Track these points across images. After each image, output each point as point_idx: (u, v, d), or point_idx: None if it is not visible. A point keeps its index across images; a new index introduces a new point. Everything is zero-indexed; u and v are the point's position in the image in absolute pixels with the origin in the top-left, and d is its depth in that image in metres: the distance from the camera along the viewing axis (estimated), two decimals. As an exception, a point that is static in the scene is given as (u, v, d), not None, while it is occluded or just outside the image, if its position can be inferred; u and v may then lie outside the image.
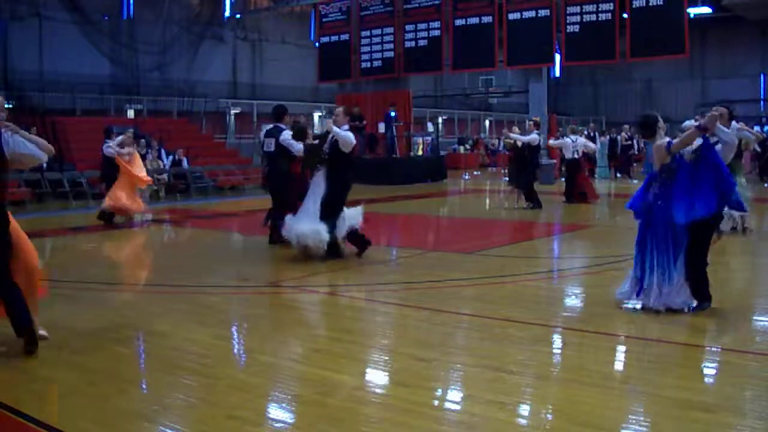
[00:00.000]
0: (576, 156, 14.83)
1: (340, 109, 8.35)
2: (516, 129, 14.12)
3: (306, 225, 7.89)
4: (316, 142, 8.36)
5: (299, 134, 8.59)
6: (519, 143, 13.36)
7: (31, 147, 4.56)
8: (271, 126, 9.21)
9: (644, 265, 5.66)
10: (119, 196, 11.81)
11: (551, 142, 15.27)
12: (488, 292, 6.69)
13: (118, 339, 5.13)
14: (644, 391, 3.94)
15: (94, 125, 18.26)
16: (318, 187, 8.03)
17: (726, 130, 5.99)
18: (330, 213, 7.91)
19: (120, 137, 12.10)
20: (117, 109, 23.87)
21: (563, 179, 15.91)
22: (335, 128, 7.95)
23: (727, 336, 5.20)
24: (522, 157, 13.65)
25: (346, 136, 7.94)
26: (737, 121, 9.36)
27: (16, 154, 4.51)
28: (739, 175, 8.99)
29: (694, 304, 5.61)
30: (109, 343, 5.01)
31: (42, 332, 4.74)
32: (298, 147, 8.56)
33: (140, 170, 12.39)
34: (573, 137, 15.04)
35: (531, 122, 14.22)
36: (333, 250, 8.10)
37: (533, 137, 13.35)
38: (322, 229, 7.85)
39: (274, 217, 8.98)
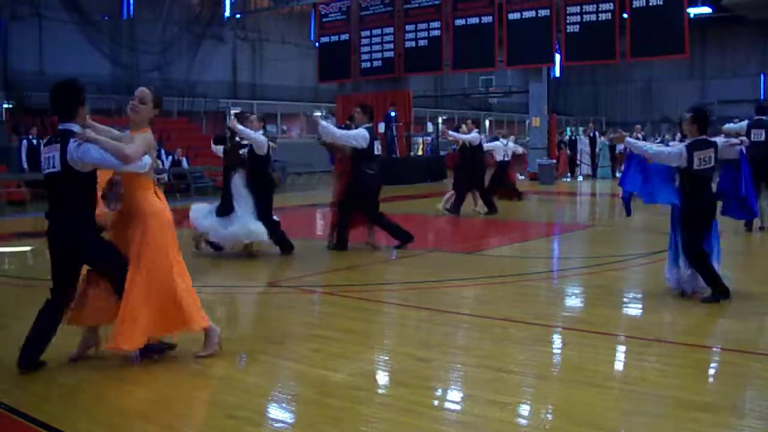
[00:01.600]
0: (506, 158, 15.52)
1: (254, 117, 8.53)
2: (464, 127, 13.30)
3: (240, 226, 8.14)
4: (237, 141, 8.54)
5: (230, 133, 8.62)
6: (467, 143, 12.72)
7: (98, 155, 4.21)
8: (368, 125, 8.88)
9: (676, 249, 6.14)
10: None
11: (484, 144, 14.80)
12: (488, 292, 6.69)
13: (118, 339, 5.13)
14: (644, 391, 3.94)
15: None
16: (239, 189, 8.25)
17: (638, 144, 6.20)
18: (261, 214, 8.25)
19: None
20: (117, 109, 23.86)
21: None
22: (240, 127, 8.11)
23: (727, 336, 5.20)
24: (469, 159, 12.84)
25: (256, 138, 8.13)
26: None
27: (81, 163, 4.24)
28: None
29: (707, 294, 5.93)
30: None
31: None
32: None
33: None
34: (504, 141, 15.64)
35: (469, 121, 13.71)
36: (284, 246, 8.50)
37: (474, 136, 12.84)
38: (260, 227, 8.17)
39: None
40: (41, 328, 4.35)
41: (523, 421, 3.65)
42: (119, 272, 4.36)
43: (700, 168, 5.84)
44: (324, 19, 24.39)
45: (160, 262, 4.40)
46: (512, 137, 17.30)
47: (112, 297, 4.41)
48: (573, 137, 25.12)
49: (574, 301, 6.55)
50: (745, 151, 6.48)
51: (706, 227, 5.97)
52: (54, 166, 4.26)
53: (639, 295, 6.50)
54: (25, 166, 16.11)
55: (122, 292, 4.33)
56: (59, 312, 4.41)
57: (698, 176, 5.89)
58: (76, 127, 4.32)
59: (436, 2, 21.83)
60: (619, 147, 22.88)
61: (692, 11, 20.83)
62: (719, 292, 5.85)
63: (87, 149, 4.19)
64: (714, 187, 6.27)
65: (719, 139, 6.18)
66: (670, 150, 6.02)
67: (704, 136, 5.96)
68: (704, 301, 5.85)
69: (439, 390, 4.14)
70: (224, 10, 26.58)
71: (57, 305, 4.40)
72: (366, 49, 23.30)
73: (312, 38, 26.72)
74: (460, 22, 21.40)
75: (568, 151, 24.52)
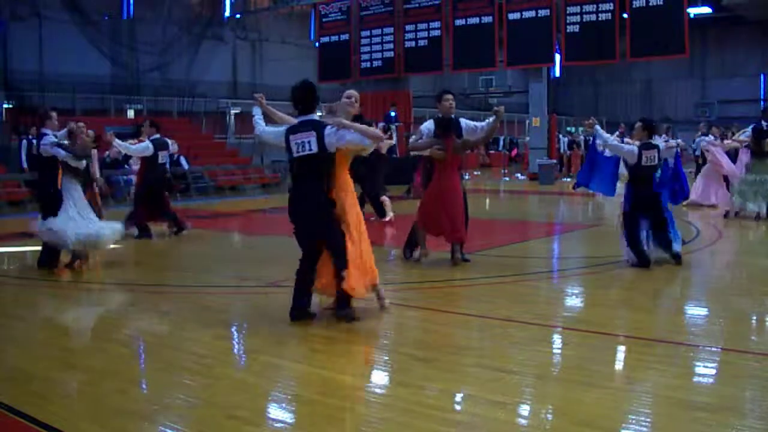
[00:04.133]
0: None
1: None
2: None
3: (91, 227, 7.82)
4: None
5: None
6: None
7: (353, 137, 5.28)
8: None
9: None
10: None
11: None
12: (488, 292, 6.69)
13: (118, 339, 5.14)
14: (644, 391, 3.94)
15: (95, 125, 18.27)
16: (76, 191, 7.90)
17: (604, 135, 7.63)
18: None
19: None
20: (117, 109, 23.87)
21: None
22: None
23: (727, 336, 5.20)
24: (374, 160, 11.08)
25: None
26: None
27: (336, 145, 5.26)
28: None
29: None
30: (109, 343, 5.01)
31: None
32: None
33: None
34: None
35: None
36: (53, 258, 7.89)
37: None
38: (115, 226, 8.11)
39: None
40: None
41: (523, 421, 3.65)
42: (340, 248, 5.27)
43: (646, 164, 7.33)
44: (324, 19, 24.39)
45: (354, 228, 5.38)
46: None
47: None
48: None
49: (574, 301, 6.55)
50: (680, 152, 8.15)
51: (641, 216, 7.33)
52: (311, 149, 5.26)
53: (639, 295, 6.50)
54: (25, 165, 16.10)
55: (340, 264, 5.24)
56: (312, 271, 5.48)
57: (644, 170, 7.33)
58: (315, 117, 5.43)
59: (436, 2, 21.84)
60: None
61: (692, 11, 20.85)
62: (640, 264, 7.29)
63: (344, 133, 5.26)
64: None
65: (661, 143, 7.59)
66: (628, 147, 7.48)
67: (651, 141, 7.42)
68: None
69: (439, 390, 4.13)
70: (224, 10, 26.59)
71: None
72: (366, 49, 23.31)
73: (312, 38, 26.72)
74: (460, 22, 21.41)
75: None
